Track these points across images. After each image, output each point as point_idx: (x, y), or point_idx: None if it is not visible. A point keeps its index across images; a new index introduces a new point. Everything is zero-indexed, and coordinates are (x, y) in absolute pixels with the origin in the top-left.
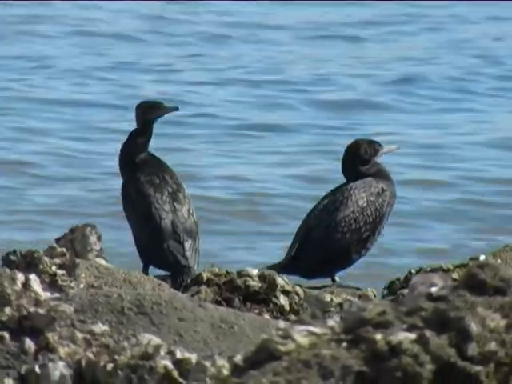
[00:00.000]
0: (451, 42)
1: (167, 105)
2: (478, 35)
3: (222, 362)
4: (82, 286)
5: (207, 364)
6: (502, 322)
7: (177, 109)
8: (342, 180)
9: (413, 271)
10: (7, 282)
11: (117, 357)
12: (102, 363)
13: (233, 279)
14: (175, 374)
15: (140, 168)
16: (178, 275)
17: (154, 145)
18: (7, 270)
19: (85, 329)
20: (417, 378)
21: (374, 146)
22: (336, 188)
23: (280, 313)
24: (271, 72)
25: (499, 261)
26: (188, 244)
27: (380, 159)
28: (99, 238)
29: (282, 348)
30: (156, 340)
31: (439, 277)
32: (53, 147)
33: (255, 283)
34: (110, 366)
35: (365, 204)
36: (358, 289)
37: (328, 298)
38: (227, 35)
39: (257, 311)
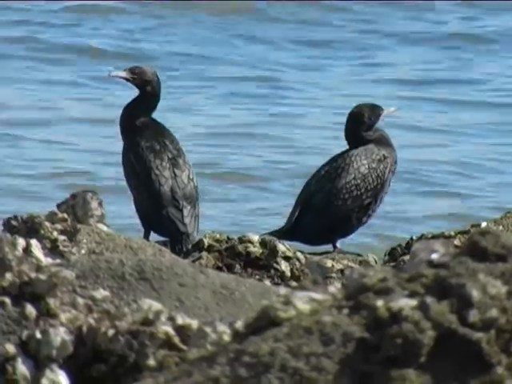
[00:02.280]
0: None
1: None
2: None
3: (222, 327)
4: (83, 251)
5: (208, 330)
6: (503, 289)
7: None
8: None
9: (414, 238)
10: (8, 247)
11: (118, 322)
12: (102, 329)
13: (234, 245)
14: (176, 339)
15: (140, 133)
16: (177, 242)
17: None
18: (8, 236)
19: (86, 294)
20: (417, 345)
21: (376, 111)
22: (337, 155)
23: (281, 279)
24: None
25: (501, 227)
26: (187, 210)
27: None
28: (100, 204)
29: (283, 314)
30: (157, 306)
31: (441, 243)
32: None
33: (256, 249)
34: (110, 332)
35: (366, 171)
36: (359, 255)
37: (329, 264)
38: None
39: (258, 277)
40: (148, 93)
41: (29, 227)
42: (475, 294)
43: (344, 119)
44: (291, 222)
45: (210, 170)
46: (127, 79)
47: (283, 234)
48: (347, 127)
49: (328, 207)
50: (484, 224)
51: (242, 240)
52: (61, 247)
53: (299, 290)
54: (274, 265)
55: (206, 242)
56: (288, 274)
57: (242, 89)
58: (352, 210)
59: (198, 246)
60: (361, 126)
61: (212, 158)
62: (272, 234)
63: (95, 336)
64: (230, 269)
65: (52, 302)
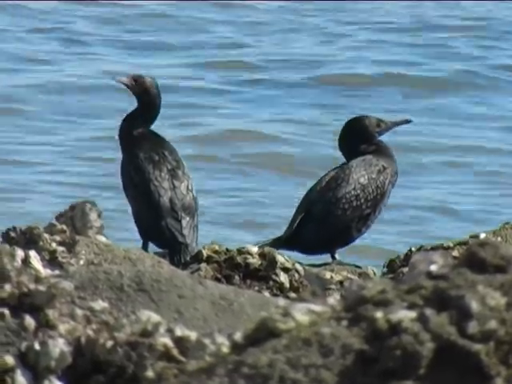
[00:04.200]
0: None
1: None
2: None
3: (221, 339)
4: (81, 262)
5: (207, 341)
6: (503, 300)
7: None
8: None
9: (413, 249)
10: (7, 258)
11: (116, 334)
12: (101, 340)
13: (233, 256)
14: (175, 351)
15: (139, 144)
16: (176, 253)
17: None
18: (7, 247)
19: (85, 306)
20: (416, 357)
21: (374, 123)
22: (337, 167)
23: (280, 290)
24: None
25: (499, 239)
26: (186, 221)
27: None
28: (99, 215)
29: (282, 326)
30: (155, 317)
31: (439, 255)
32: None
33: (255, 260)
34: (109, 343)
35: (366, 181)
36: (358, 267)
37: (328, 275)
38: None
39: (257, 288)
40: (146, 103)
41: (27, 238)
42: (474, 305)
43: None
44: (291, 231)
45: None
46: (127, 86)
47: (283, 242)
48: (344, 139)
49: (328, 217)
50: (483, 235)
51: (240, 251)
52: (59, 258)
53: (298, 302)
54: (273, 276)
55: (205, 253)
56: (287, 285)
57: None
58: (352, 220)
59: (197, 258)
60: (357, 138)
61: None
62: (271, 242)
63: (94, 347)
64: (228, 280)
65: (51, 314)
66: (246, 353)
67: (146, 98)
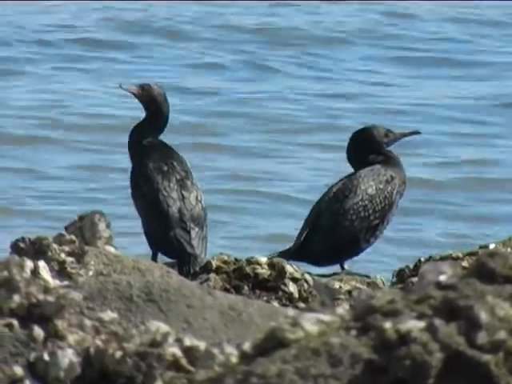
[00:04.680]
0: None
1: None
2: None
3: (230, 349)
4: (90, 273)
5: (216, 351)
6: None
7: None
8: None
9: (422, 259)
10: (16, 269)
11: (125, 344)
12: (110, 351)
13: (242, 267)
14: (184, 361)
15: (148, 154)
16: (185, 263)
17: None
18: (16, 257)
19: (94, 316)
20: (425, 367)
21: (382, 133)
22: (345, 176)
23: (289, 300)
24: None
25: (509, 249)
26: (195, 232)
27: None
28: (108, 226)
29: (291, 336)
30: (164, 327)
31: (448, 265)
32: None
33: (264, 271)
34: (118, 354)
35: (374, 192)
36: (367, 276)
37: (337, 285)
38: None
39: (266, 299)
40: (153, 112)
41: (36, 249)
42: (483, 315)
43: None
44: (299, 243)
45: None
46: (134, 94)
47: (291, 254)
48: (352, 149)
49: (336, 228)
50: (492, 245)
51: (249, 261)
52: (68, 269)
53: (307, 312)
54: (282, 286)
55: (214, 263)
56: (296, 295)
57: None
58: (360, 230)
59: (206, 268)
60: (365, 148)
61: None
62: (280, 254)
63: (103, 358)
64: (237, 290)
65: (60, 324)
66: (254, 363)
67: (154, 107)
